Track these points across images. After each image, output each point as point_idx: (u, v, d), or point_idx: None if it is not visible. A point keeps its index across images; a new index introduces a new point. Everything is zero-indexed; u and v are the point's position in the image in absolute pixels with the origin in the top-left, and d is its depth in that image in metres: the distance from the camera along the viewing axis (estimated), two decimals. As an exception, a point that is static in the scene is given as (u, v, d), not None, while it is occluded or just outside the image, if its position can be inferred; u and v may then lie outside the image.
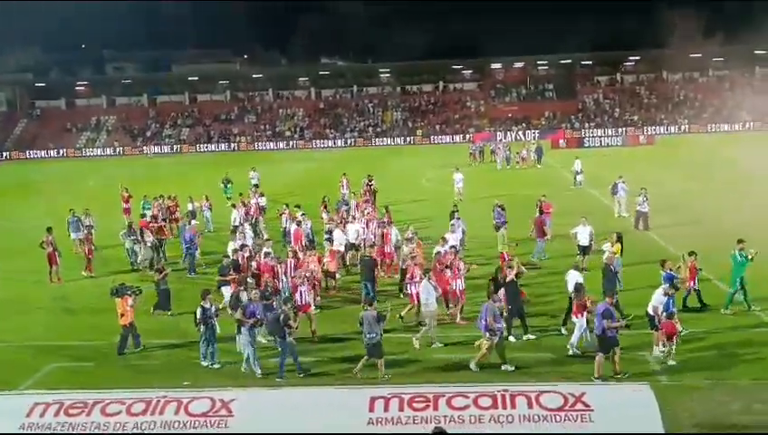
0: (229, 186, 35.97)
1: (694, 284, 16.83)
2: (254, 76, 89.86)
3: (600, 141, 65.31)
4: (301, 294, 16.13)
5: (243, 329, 14.43)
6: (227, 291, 17.23)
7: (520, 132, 73.14)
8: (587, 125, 75.18)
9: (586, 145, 64.22)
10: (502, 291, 15.40)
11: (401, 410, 9.61)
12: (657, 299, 14.56)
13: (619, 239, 19.20)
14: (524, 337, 15.53)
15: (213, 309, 14.83)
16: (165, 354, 15.81)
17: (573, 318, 14.93)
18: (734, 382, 12.74)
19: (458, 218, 23.16)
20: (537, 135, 69.40)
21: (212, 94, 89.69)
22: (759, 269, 17.22)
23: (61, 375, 14.81)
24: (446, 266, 17.34)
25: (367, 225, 23.20)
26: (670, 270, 16.05)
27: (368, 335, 13.56)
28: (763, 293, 17.17)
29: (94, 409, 9.90)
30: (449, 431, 8.77)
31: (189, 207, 29.55)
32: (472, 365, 13.92)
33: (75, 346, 16.65)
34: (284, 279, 17.79)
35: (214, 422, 9.69)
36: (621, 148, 60.97)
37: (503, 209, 25.03)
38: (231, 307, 15.46)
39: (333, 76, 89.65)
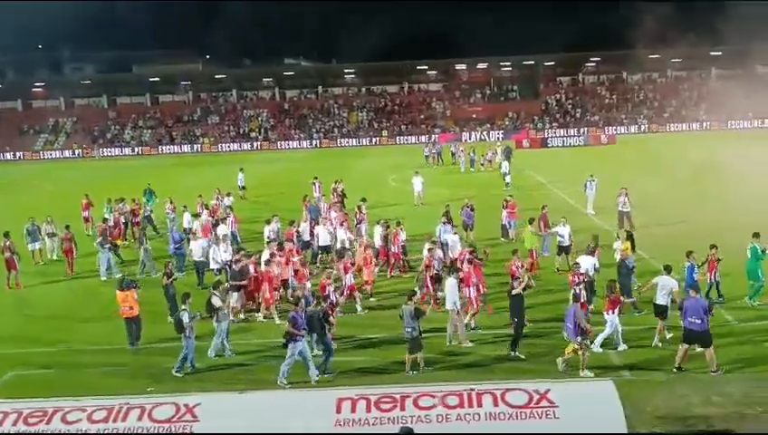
0: (152, 197, 33.40)
1: (714, 276, 17.00)
2: (216, 77, 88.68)
3: (563, 141, 66.16)
4: (329, 294, 16.08)
5: (291, 345, 13.61)
6: (236, 296, 17.45)
7: (484, 133, 73.88)
8: (550, 125, 76.27)
9: (549, 145, 65.21)
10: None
11: (368, 411, 9.61)
12: (672, 287, 14.62)
13: (630, 237, 19.10)
14: (512, 353, 14.61)
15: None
16: (129, 359, 15.51)
17: (605, 315, 14.54)
18: (695, 376, 13.06)
19: (444, 223, 22.01)
20: (501, 136, 70.12)
21: (174, 95, 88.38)
22: (725, 267, 17.50)
23: (19, 383, 14.41)
24: (479, 259, 17.62)
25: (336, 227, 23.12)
26: (694, 261, 16.05)
27: (406, 329, 13.92)
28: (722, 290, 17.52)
29: (54, 417, 9.68)
30: (416, 431, 8.80)
31: (149, 209, 29.38)
32: (582, 372, 13.44)
33: (34, 353, 16.23)
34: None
35: (178, 428, 9.56)
36: (584, 147, 61.88)
37: (472, 210, 25.11)
38: (206, 311, 15.27)
39: (298, 76, 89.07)
